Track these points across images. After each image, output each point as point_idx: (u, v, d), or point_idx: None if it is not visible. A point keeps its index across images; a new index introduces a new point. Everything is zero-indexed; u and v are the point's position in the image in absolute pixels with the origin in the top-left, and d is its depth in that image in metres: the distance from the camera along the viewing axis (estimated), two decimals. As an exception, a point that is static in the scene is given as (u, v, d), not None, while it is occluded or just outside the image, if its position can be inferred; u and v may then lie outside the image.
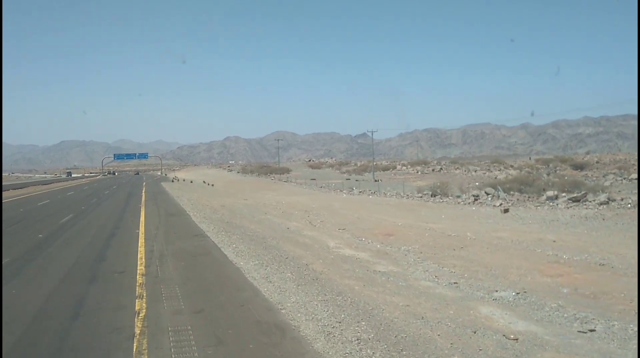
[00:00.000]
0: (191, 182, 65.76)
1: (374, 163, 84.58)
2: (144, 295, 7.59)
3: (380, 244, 14.26)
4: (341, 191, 45.86)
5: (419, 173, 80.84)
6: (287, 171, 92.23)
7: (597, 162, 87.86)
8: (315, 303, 7.23)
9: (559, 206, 22.02)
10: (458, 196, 29.44)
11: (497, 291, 8.83)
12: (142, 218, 19.41)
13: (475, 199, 25.96)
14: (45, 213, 23.90)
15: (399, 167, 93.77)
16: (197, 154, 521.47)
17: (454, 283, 9.51)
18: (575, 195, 22.77)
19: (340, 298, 7.62)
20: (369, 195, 38.44)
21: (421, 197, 31.64)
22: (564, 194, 26.00)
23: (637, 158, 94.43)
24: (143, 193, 37.79)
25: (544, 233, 14.53)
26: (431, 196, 30.85)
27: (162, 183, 60.66)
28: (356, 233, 16.76)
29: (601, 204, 20.12)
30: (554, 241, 12.85)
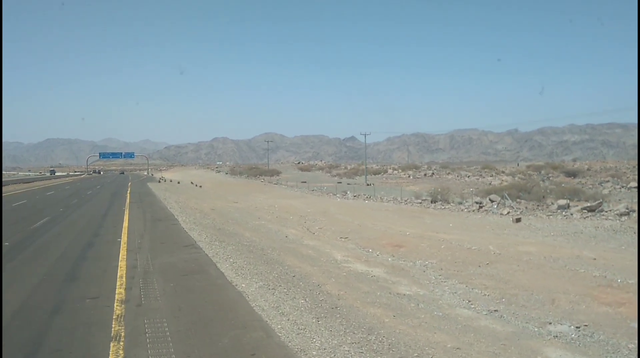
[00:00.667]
0: (178, 183, 63.77)
1: (366, 167, 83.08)
2: (122, 334, 5.85)
3: (391, 257, 12.76)
4: (334, 195, 44.32)
5: (411, 177, 79.65)
6: (277, 173, 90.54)
7: (587, 169, 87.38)
8: (346, 348, 5.62)
9: (573, 216, 20.69)
10: (460, 203, 28.06)
11: (550, 323, 7.35)
12: (126, 224, 17.73)
13: (480, 207, 24.58)
14: (20, 215, 22.00)
15: (390, 171, 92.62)
16: (184, 155, 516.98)
17: (494, 310, 8.02)
18: (589, 204, 21.48)
19: (374, 338, 6.04)
20: (364, 200, 36.95)
21: (420, 203, 30.22)
22: (564, 201, 24.67)
23: (633, 165, 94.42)
24: (128, 194, 35.98)
25: (577, 248, 13.09)
26: (431, 202, 29.43)
27: (148, 184, 58.43)
28: (361, 243, 15.25)
29: (621, 215, 18.81)
30: (594, 259, 11.41)
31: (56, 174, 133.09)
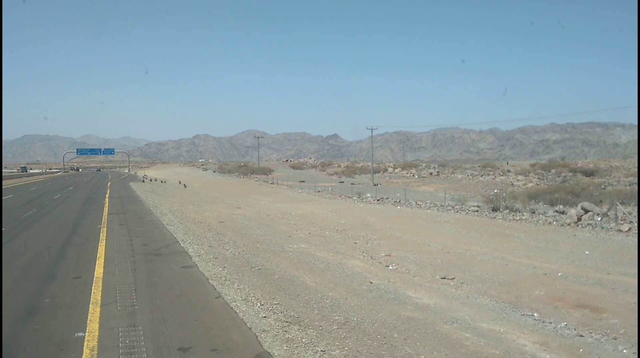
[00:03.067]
0: (163, 182, 56.95)
1: (372, 166, 77.01)
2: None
3: (579, 326, 6.87)
4: (350, 198, 38.33)
5: (416, 176, 74.11)
6: (269, 171, 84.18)
7: (594, 169, 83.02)
8: None
9: None
10: (534, 212, 22.28)
11: None
12: (99, 272, 9.61)
13: (579, 219, 18.79)
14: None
15: (390, 170, 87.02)
16: (165, 152, 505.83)
17: None
18: None
19: None
20: (394, 205, 31.01)
21: (477, 211, 24.36)
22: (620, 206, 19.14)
23: (635, 164, 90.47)
24: (106, 200, 29.24)
25: None
26: (492, 210, 23.60)
27: (131, 184, 51.17)
28: (494, 292, 9.41)
29: None
30: None
31: (29, 171, 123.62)
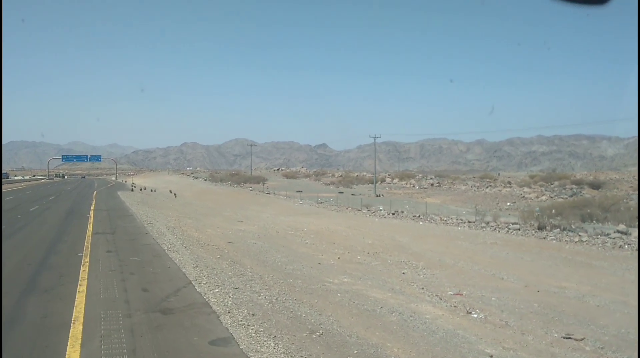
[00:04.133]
0: (153, 191, 53.25)
1: (375, 176, 73.88)
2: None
3: None
4: (358, 210, 35.22)
5: (417, 187, 71.24)
6: (263, 180, 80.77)
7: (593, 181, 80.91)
8: None
9: None
10: (599, 234, 19.29)
11: None
12: (74, 353, 5.56)
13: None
14: None
15: (388, 180, 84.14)
16: (152, 160, 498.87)
17: None
18: None
19: None
20: (415, 220, 27.95)
21: (519, 229, 21.34)
22: None
23: (634, 176, 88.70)
24: (92, 213, 25.12)
25: None
26: (538, 228, 20.59)
27: (119, 193, 47.09)
28: None
29: None
30: None
31: (10, 178, 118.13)
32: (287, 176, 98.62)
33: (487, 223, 23.73)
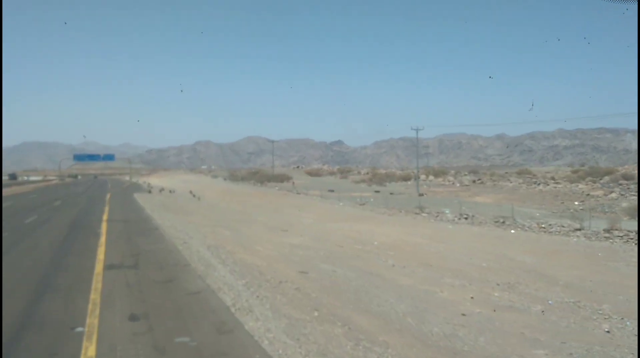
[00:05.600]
0: (171, 192, 48.21)
1: (417, 172, 68.08)
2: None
3: None
4: (416, 214, 29.80)
5: (457, 185, 65.46)
6: (287, 178, 75.56)
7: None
8: None
9: None
10: None
11: None
12: None
13: None
14: None
15: (422, 177, 78.36)
16: (166, 159, 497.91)
17: None
18: None
19: None
20: (498, 226, 22.38)
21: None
22: None
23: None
24: (103, 226, 19.01)
25: None
26: None
27: (135, 196, 41.80)
28: None
29: None
30: None
31: (20, 178, 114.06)
32: (310, 174, 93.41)
33: (609, 231, 18.08)
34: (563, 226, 21.03)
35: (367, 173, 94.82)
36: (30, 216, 22.43)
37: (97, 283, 8.99)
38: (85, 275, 9.83)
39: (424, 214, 29.18)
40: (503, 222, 23.61)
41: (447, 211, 28.35)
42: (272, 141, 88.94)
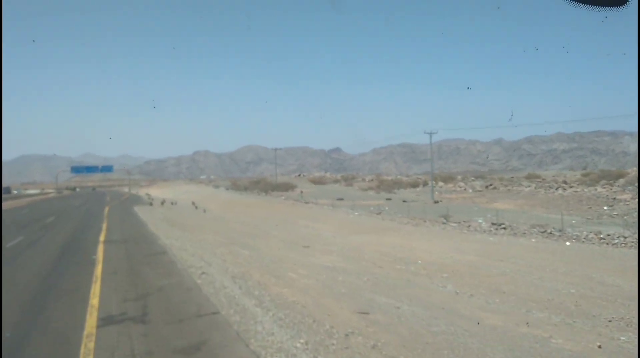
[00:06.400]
0: (173, 204, 45.57)
1: (432, 177, 65.66)
2: None
3: None
4: (444, 223, 27.28)
5: (470, 191, 62.97)
6: (291, 187, 73.02)
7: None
8: None
9: None
10: None
11: None
12: None
13: None
14: None
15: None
16: (164, 169, 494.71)
17: None
18: None
19: None
20: (549, 238, 19.83)
21: None
22: None
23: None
24: (100, 250, 15.98)
25: None
26: None
27: (136, 209, 38.86)
28: None
29: None
30: None
31: (14, 192, 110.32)
32: (314, 182, 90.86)
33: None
34: (625, 237, 18.51)
35: (372, 180, 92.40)
36: (15, 238, 19.42)
37: (86, 356, 6.12)
38: (70, 337, 6.84)
39: (452, 224, 26.68)
40: (550, 232, 21.07)
41: (480, 221, 25.82)
42: (275, 149, 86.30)
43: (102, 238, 18.39)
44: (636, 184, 56.15)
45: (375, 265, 15.08)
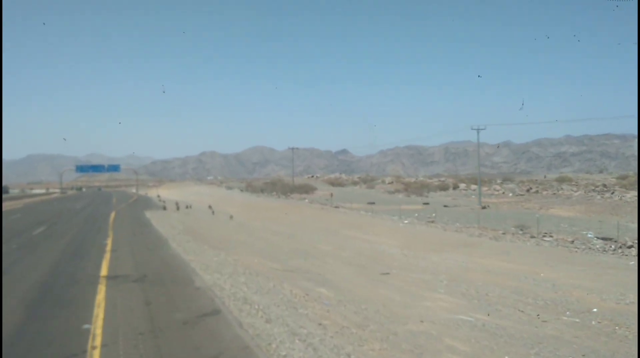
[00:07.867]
0: (188, 208, 40.30)
1: (479, 180, 60.17)
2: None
3: None
4: (532, 237, 21.91)
5: (510, 194, 57.42)
6: (312, 189, 67.68)
7: None
8: None
9: None
10: None
11: None
12: None
13: None
14: None
15: (462, 186, 70.49)
16: (171, 170, 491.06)
17: None
18: None
19: None
20: None
21: None
22: None
23: None
24: (100, 292, 9.12)
25: None
26: None
27: (147, 214, 32.65)
28: None
29: None
30: None
31: (11, 192, 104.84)
32: (332, 183, 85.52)
33: None
34: None
35: (391, 182, 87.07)
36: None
37: None
38: None
39: (547, 239, 21.21)
40: None
41: (591, 235, 20.34)
42: (292, 149, 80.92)
43: (103, 270, 11.57)
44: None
45: (525, 314, 9.74)
